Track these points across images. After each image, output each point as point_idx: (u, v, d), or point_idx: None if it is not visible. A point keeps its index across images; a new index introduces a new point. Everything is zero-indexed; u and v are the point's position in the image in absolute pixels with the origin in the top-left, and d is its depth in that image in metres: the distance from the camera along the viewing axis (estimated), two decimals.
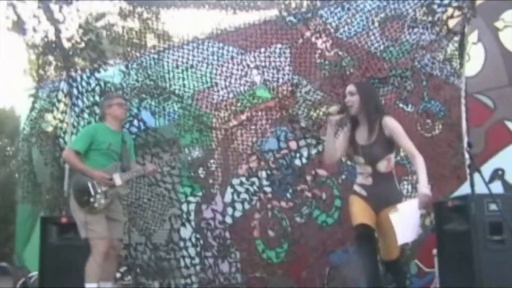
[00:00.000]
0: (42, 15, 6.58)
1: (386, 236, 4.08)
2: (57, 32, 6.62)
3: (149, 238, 6.78)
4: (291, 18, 6.50)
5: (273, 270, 6.72)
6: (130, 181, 5.30)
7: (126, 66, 6.87)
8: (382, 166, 4.09)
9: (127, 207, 6.64)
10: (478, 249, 4.61)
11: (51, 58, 6.97)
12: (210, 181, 6.94)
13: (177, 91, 6.82)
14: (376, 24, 6.15)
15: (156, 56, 6.85)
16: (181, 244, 6.83)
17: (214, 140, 6.88)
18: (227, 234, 6.84)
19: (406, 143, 4.08)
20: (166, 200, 6.84)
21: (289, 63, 6.55)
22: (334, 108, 4.21)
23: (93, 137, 4.97)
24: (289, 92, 6.59)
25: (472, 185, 4.36)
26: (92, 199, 4.81)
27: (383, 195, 4.06)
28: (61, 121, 6.88)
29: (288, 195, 6.65)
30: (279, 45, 6.54)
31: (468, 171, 4.66)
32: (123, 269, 6.64)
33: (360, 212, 4.08)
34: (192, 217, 6.89)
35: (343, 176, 6.32)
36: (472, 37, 6.72)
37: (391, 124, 4.10)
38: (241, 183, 6.78)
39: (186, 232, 6.88)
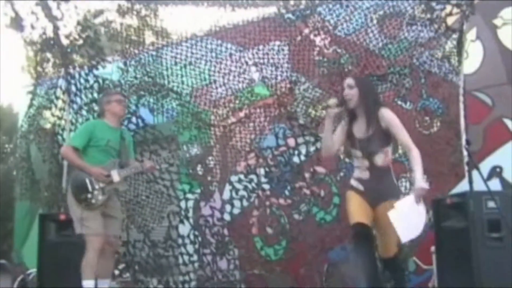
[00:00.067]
0: (40, 12, 6.57)
1: (384, 233, 4.08)
2: (55, 29, 6.61)
3: (148, 235, 6.78)
4: (290, 15, 6.50)
5: (272, 267, 6.73)
6: (128, 177, 5.29)
7: (125, 63, 6.87)
8: (379, 159, 4.07)
9: (126, 204, 6.64)
10: (476, 246, 4.62)
11: (49, 55, 6.96)
12: (209, 178, 6.94)
13: (175, 88, 6.82)
14: (375, 21, 6.15)
15: (154, 53, 6.84)
16: (180, 241, 6.83)
17: (212, 137, 6.88)
18: (226, 231, 6.84)
19: (402, 135, 4.06)
20: (165, 197, 6.84)
21: (288, 60, 6.55)
22: (333, 101, 4.18)
23: (92, 133, 4.97)
24: (287, 89, 6.59)
25: (470, 182, 4.37)
26: (89, 195, 4.81)
27: (380, 189, 4.04)
28: (59, 118, 6.87)
29: (287, 192, 6.65)
30: (277, 42, 6.53)
31: (466, 168, 4.66)
32: (121, 266, 6.65)
33: (357, 211, 4.07)
34: (190, 214, 6.90)
35: (342, 173, 6.32)
36: (471, 34, 6.71)
37: (388, 115, 4.09)
38: (240, 180, 6.78)
39: (184, 229, 6.89)
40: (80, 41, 6.71)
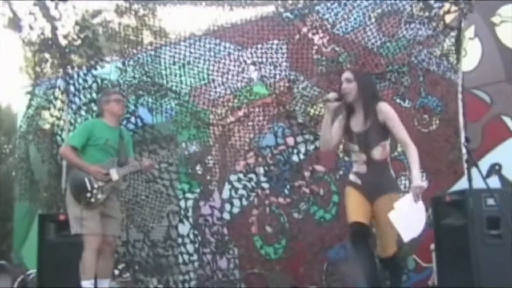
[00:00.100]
0: (38, 12, 6.57)
1: (382, 230, 4.06)
2: (53, 29, 6.61)
3: (147, 234, 6.78)
4: (288, 14, 6.50)
5: (271, 266, 6.73)
6: (127, 176, 5.28)
7: (123, 63, 6.87)
8: (377, 153, 4.06)
9: (125, 204, 6.65)
10: (475, 244, 4.61)
11: (47, 55, 6.95)
12: (208, 177, 6.94)
13: (174, 88, 6.82)
14: (373, 19, 6.15)
15: (153, 52, 6.85)
16: (179, 240, 6.84)
17: (211, 136, 6.88)
18: (225, 231, 6.85)
19: (399, 130, 4.05)
20: (164, 197, 6.84)
21: (286, 59, 6.55)
22: (332, 95, 4.16)
23: (90, 132, 4.97)
24: (286, 88, 6.59)
25: (469, 180, 4.37)
26: (89, 194, 4.81)
27: (378, 183, 4.04)
28: (58, 119, 6.88)
29: (286, 191, 6.66)
30: (276, 41, 6.53)
31: (465, 166, 4.66)
32: (121, 266, 6.65)
33: (355, 209, 4.06)
34: (190, 213, 6.90)
35: (341, 172, 6.33)
36: (469, 32, 6.71)
37: (385, 109, 4.08)
38: (239, 179, 6.78)
39: (184, 228, 6.89)
40: (78, 41, 6.71)
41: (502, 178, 6.69)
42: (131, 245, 6.73)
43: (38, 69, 7.08)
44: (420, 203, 3.95)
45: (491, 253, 4.65)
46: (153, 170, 6.19)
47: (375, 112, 4.06)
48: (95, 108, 6.47)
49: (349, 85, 4.13)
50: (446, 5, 5.77)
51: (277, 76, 6.59)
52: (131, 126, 6.71)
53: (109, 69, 6.93)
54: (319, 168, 6.53)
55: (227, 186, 6.88)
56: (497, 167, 6.73)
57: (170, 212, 6.90)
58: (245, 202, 6.81)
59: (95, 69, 6.78)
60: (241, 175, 6.78)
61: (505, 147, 6.75)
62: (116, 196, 5.24)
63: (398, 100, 6.08)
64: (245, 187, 6.76)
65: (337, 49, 6.30)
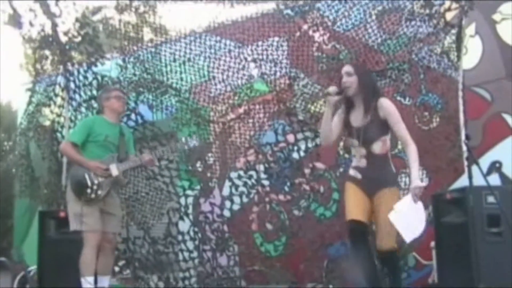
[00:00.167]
0: (39, 9, 6.57)
1: (381, 223, 4.02)
2: (54, 26, 6.60)
3: (147, 232, 6.78)
4: (289, 11, 6.49)
5: (271, 263, 6.73)
6: (127, 172, 5.29)
7: (123, 60, 6.87)
8: (377, 147, 4.05)
9: (125, 201, 6.65)
10: (476, 241, 4.61)
11: (47, 52, 6.95)
12: (208, 174, 6.94)
13: (174, 85, 6.81)
14: (374, 17, 6.14)
15: (153, 49, 6.84)
16: (179, 237, 6.84)
17: (211, 133, 6.88)
18: (225, 228, 6.85)
19: (400, 127, 4.04)
20: (164, 194, 6.84)
21: (287, 56, 6.55)
22: (333, 89, 4.14)
23: (90, 128, 4.98)
24: (286, 85, 6.58)
25: (470, 177, 4.36)
26: (89, 190, 4.82)
27: (378, 177, 4.02)
28: (59, 115, 6.88)
29: (286, 188, 6.65)
30: (276, 38, 6.53)
31: (466, 163, 4.66)
32: (121, 263, 6.65)
33: (353, 206, 4.05)
34: (190, 210, 6.90)
35: (341, 169, 6.32)
36: (470, 30, 6.70)
37: (386, 105, 4.06)
38: (239, 177, 6.78)
39: (184, 225, 6.89)
40: (79, 38, 6.70)
41: (503, 176, 6.69)
42: (132, 242, 6.74)
43: (38, 66, 7.07)
44: (420, 204, 3.95)
45: (491, 250, 4.66)
46: (154, 166, 6.19)
47: (376, 107, 4.05)
48: (95, 105, 6.48)
49: (350, 78, 4.11)
50: (447, 3, 5.76)
51: (278, 73, 6.58)
52: (131, 123, 6.71)
53: (109, 66, 6.92)
54: (320, 165, 6.53)
55: (227, 183, 6.87)
56: (497, 165, 6.73)
57: (171, 209, 6.90)
58: (245, 199, 6.81)
59: (96, 66, 6.78)
60: (241, 172, 6.78)
61: (505, 145, 6.75)
62: (116, 193, 5.24)
63: (398, 98, 6.07)
64: (245, 184, 6.76)
65: (338, 46, 6.29)
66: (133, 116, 6.79)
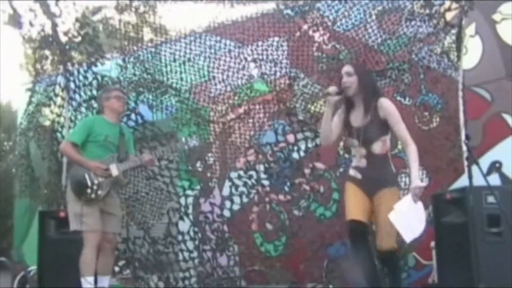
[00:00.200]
0: (39, 9, 6.57)
1: (381, 222, 4.01)
2: (54, 26, 6.60)
3: (147, 231, 6.78)
4: (289, 11, 6.49)
5: (271, 263, 6.73)
6: (127, 172, 5.29)
7: (123, 60, 6.87)
8: (377, 147, 4.04)
9: (125, 201, 6.65)
10: (476, 241, 4.61)
11: (47, 52, 6.95)
12: (208, 174, 6.94)
13: (174, 85, 6.81)
14: (374, 17, 6.14)
15: (153, 49, 6.84)
16: (179, 237, 6.84)
17: (211, 133, 6.88)
18: (225, 228, 6.85)
19: (400, 128, 4.03)
20: (164, 194, 6.84)
21: (287, 56, 6.55)
22: (333, 88, 4.12)
23: (90, 129, 4.98)
24: (286, 86, 6.59)
25: (470, 177, 4.36)
26: (89, 190, 4.82)
27: (378, 177, 4.01)
28: (59, 115, 6.88)
29: (286, 188, 6.65)
30: (276, 38, 6.53)
31: (466, 163, 4.66)
32: (121, 263, 6.65)
33: (353, 206, 4.04)
34: (190, 210, 6.90)
35: (341, 169, 6.32)
36: (470, 30, 6.70)
37: (386, 105, 4.06)
38: (239, 177, 6.78)
39: (184, 225, 6.89)
40: (79, 38, 6.70)
41: (503, 176, 6.69)
42: (131, 242, 6.73)
43: (38, 66, 7.07)
44: (420, 204, 3.95)
45: (491, 250, 4.66)
46: (154, 166, 6.19)
47: (376, 107, 4.04)
48: (95, 105, 6.48)
49: (350, 78, 4.10)
50: (447, 3, 5.76)
51: (278, 73, 6.58)
52: (131, 123, 6.71)
53: (109, 66, 6.92)
54: (320, 165, 6.53)
55: (227, 183, 6.87)
56: (497, 165, 6.73)
57: (170, 209, 6.90)
58: (245, 199, 6.81)
59: (96, 66, 6.78)
60: (241, 172, 6.78)
61: (505, 145, 6.75)
62: (116, 193, 5.24)
63: (398, 98, 6.07)
64: (245, 184, 6.76)
65: (338, 46, 6.29)
66: (133, 116, 6.79)
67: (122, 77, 6.83)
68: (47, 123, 7.03)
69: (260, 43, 6.56)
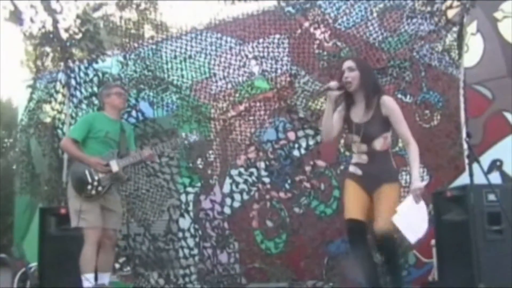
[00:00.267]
0: (40, 6, 6.58)
1: (378, 210, 3.96)
2: (55, 22, 6.61)
3: (148, 228, 6.79)
4: (290, 8, 6.49)
5: (272, 261, 6.74)
6: (128, 168, 5.29)
7: (124, 57, 6.87)
8: (378, 144, 4.01)
9: (126, 198, 6.66)
10: (476, 239, 4.61)
11: (48, 49, 6.95)
12: (209, 171, 6.95)
13: (175, 82, 6.82)
14: (375, 14, 6.14)
15: (154, 46, 6.84)
16: (180, 234, 6.84)
17: (212, 130, 6.88)
18: (226, 225, 6.85)
19: (402, 126, 4.01)
20: (165, 191, 6.84)
21: (288, 53, 6.54)
22: (334, 83, 4.08)
23: (91, 125, 4.98)
24: (287, 83, 6.58)
25: (471, 175, 4.36)
26: (89, 186, 4.82)
27: (379, 173, 3.98)
28: (59, 112, 6.88)
29: (287, 186, 6.65)
30: (277, 36, 6.52)
31: (466, 161, 4.66)
32: (122, 259, 6.66)
33: (352, 205, 4.02)
34: (190, 207, 6.90)
35: (342, 167, 6.31)
36: (471, 27, 6.68)
37: (390, 103, 4.03)
38: (240, 174, 6.78)
39: (184, 222, 6.90)
40: (80, 35, 6.70)
41: (503, 174, 6.69)
42: (132, 239, 6.74)
43: (39, 62, 7.08)
44: (422, 203, 3.94)
45: (491, 248, 4.67)
46: (154, 162, 6.20)
47: (379, 104, 4.01)
48: (96, 101, 6.49)
49: (352, 73, 4.05)
50: (448, 0, 5.76)
51: (279, 71, 6.58)
52: (132, 120, 6.71)
53: (110, 63, 6.93)
54: (320, 162, 6.53)
55: (228, 181, 6.87)
56: (498, 163, 6.72)
57: (171, 206, 6.91)
58: (246, 197, 6.81)
59: (96, 62, 6.79)
60: (242, 170, 6.79)
61: (506, 143, 6.74)
62: (117, 190, 5.24)
63: (399, 95, 6.07)
64: (246, 181, 6.76)
65: (339, 44, 6.29)
66: (134, 113, 6.79)
67: (123, 74, 6.83)
68: (48, 120, 7.03)
69: (261, 40, 6.56)
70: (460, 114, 5.58)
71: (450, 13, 5.80)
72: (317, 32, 6.37)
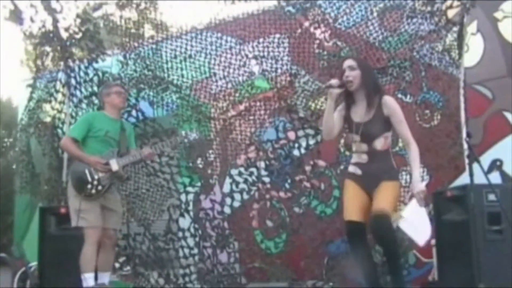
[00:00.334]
0: (40, 5, 6.58)
1: (374, 199, 3.91)
2: (55, 22, 6.61)
3: (148, 228, 6.79)
4: (290, 8, 6.49)
5: (272, 260, 6.73)
6: (128, 167, 5.28)
7: (124, 56, 6.88)
8: (379, 143, 4.00)
9: (126, 198, 6.66)
10: (476, 239, 4.62)
11: (48, 48, 6.95)
12: (209, 171, 6.95)
13: (175, 81, 6.82)
14: (375, 14, 6.14)
15: (154, 46, 6.84)
16: (180, 234, 6.84)
17: (212, 130, 6.88)
18: (226, 224, 6.85)
19: (403, 127, 4.00)
20: (165, 191, 6.85)
21: (288, 53, 6.54)
22: (335, 81, 4.04)
23: (91, 124, 4.97)
24: (287, 82, 6.58)
25: (471, 175, 4.36)
26: (89, 186, 4.81)
27: (378, 173, 3.96)
28: (59, 111, 6.88)
29: (287, 185, 6.65)
30: (277, 35, 6.52)
31: (466, 161, 4.66)
32: (122, 259, 6.66)
33: (351, 205, 4.00)
34: (190, 207, 6.90)
35: (342, 167, 6.31)
36: (471, 27, 6.67)
37: (391, 104, 4.02)
38: (240, 174, 6.78)
39: (184, 222, 6.90)
40: (80, 34, 6.70)
41: (503, 174, 6.69)
42: (132, 238, 6.75)
43: (39, 62, 7.08)
44: (422, 209, 3.95)
45: (492, 248, 4.67)
46: (154, 161, 6.20)
47: (380, 104, 4.00)
48: (96, 101, 6.49)
49: (352, 72, 4.03)
50: (449, 0, 5.75)
51: (279, 70, 6.58)
52: (132, 120, 6.71)
53: (110, 63, 6.93)
54: (320, 162, 6.53)
55: (228, 180, 6.87)
56: (498, 163, 6.72)
57: (171, 205, 6.91)
58: (246, 196, 6.81)
59: (96, 62, 6.79)
60: (242, 169, 6.78)
61: (506, 143, 6.74)
62: (117, 190, 5.24)
63: (399, 95, 6.07)
64: (246, 181, 6.76)
65: (339, 43, 6.29)
66: (134, 112, 6.80)
67: (123, 73, 6.84)
68: (48, 119, 7.04)
69: (261, 40, 6.56)
70: (460, 114, 5.58)
71: (450, 13, 5.79)
72: (317, 32, 6.37)
